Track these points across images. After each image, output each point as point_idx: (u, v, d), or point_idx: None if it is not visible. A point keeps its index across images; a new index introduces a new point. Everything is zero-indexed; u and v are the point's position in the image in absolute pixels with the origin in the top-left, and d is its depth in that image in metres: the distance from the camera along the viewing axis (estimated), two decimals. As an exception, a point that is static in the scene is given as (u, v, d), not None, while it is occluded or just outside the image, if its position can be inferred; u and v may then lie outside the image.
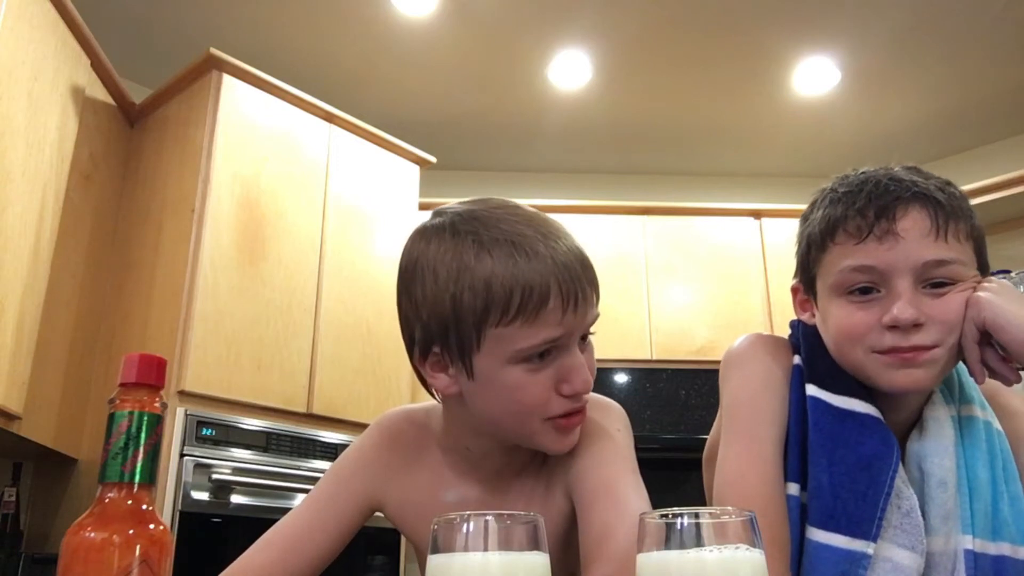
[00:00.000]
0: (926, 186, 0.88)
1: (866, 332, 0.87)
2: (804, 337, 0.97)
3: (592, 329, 0.88)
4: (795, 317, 1.02)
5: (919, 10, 2.99)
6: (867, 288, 0.88)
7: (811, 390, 0.92)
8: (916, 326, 0.85)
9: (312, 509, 0.98)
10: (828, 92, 3.48)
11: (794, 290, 1.01)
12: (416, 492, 0.98)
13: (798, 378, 0.94)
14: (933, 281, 0.86)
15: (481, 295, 0.80)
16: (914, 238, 0.85)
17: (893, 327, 0.85)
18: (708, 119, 3.72)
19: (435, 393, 0.92)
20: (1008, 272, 3.24)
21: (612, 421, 0.94)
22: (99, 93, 2.63)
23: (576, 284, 0.81)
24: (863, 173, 0.92)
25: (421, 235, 0.87)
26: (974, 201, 3.40)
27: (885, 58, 3.27)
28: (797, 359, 0.96)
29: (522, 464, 0.95)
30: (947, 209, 0.87)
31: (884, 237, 0.86)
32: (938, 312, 0.85)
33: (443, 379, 0.86)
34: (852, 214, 0.88)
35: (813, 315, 0.96)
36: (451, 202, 0.90)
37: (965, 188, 3.44)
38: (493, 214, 0.84)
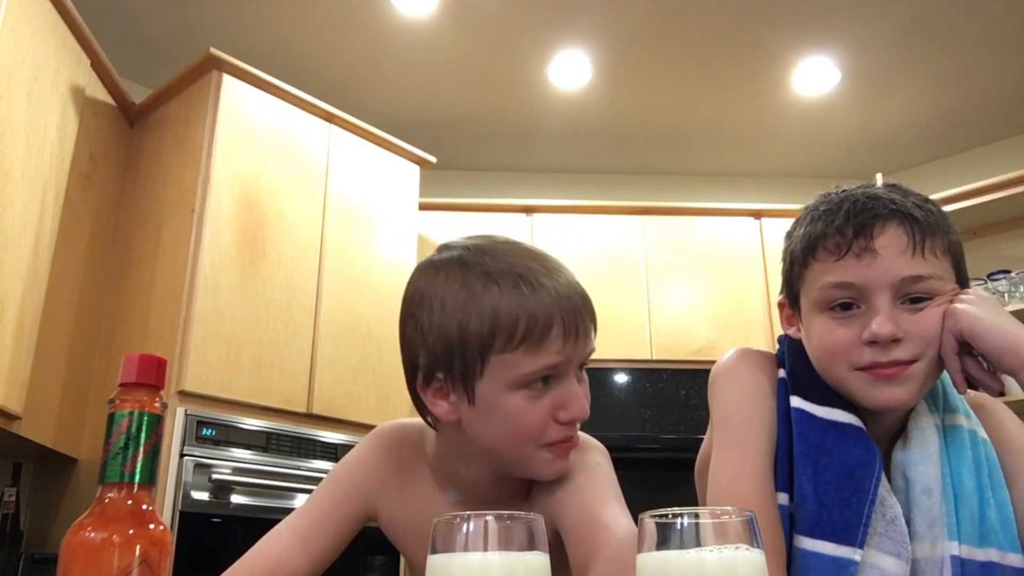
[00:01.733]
0: (903, 203, 0.90)
1: (847, 349, 0.89)
2: (789, 351, 0.99)
3: (587, 362, 0.91)
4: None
5: (919, 10, 2.99)
6: (847, 304, 0.90)
7: (795, 402, 0.93)
8: (895, 341, 0.86)
9: (313, 513, 1.00)
10: (828, 92, 3.48)
11: (780, 305, 1.03)
12: (406, 506, 1.01)
13: (783, 391, 0.96)
14: (911, 296, 0.88)
15: (488, 322, 0.84)
16: (891, 255, 0.87)
17: (872, 342, 0.87)
18: (708, 119, 3.73)
19: (431, 420, 0.94)
20: (1008, 272, 3.24)
21: (591, 456, 0.96)
22: (99, 93, 2.63)
23: (577, 316, 0.86)
24: (844, 191, 0.94)
25: (429, 266, 0.91)
26: (974, 201, 3.43)
27: (885, 58, 3.28)
28: (782, 372, 0.98)
29: (508, 493, 0.97)
30: (924, 225, 0.88)
31: (862, 254, 0.88)
32: (916, 327, 0.87)
33: (444, 406, 0.89)
34: (831, 232, 0.90)
35: (799, 330, 0.98)
36: (455, 238, 0.94)
37: (965, 188, 3.46)
38: (499, 248, 0.89)
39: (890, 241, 0.88)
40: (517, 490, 0.97)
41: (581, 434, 0.99)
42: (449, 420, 0.89)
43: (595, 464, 0.95)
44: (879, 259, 0.87)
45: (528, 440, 0.87)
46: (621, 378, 3.29)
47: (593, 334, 0.90)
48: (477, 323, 0.84)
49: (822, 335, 0.91)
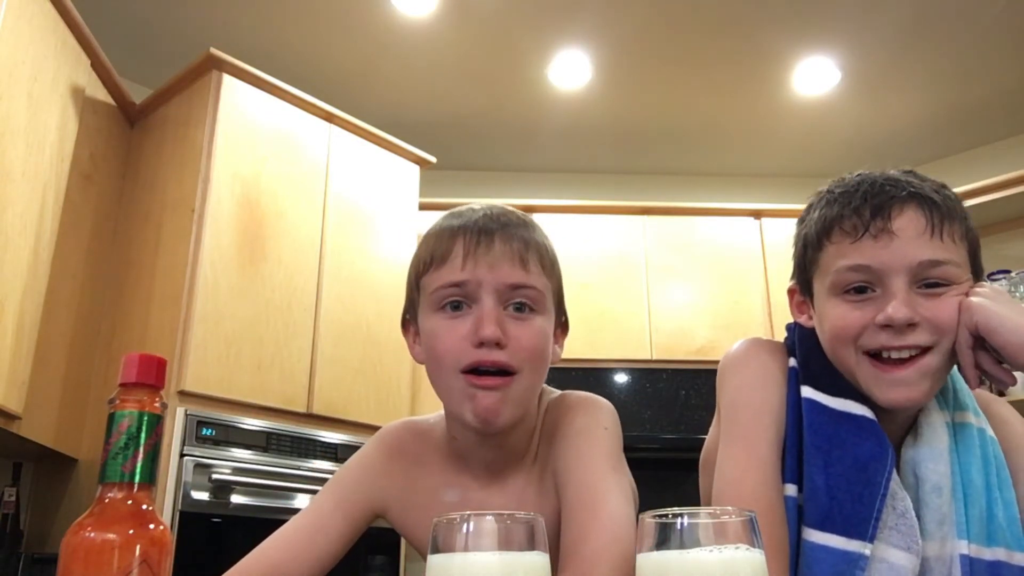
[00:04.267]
0: (921, 187, 0.89)
1: (860, 331, 0.88)
2: (800, 339, 0.97)
3: (527, 301, 0.90)
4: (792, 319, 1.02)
5: (919, 10, 2.99)
6: (862, 288, 0.88)
7: (806, 392, 0.92)
8: (910, 326, 0.85)
9: (316, 515, 1.01)
10: (828, 92, 3.48)
11: (790, 292, 1.01)
12: (417, 496, 1.01)
13: (794, 380, 0.95)
14: (928, 281, 0.87)
15: (418, 255, 0.96)
16: (909, 237, 0.86)
17: (887, 326, 0.85)
18: (708, 119, 3.72)
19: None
20: (1008, 272, 3.24)
21: (600, 418, 0.96)
22: (99, 93, 2.63)
23: (482, 236, 0.90)
24: (859, 175, 0.93)
25: None
26: (974, 201, 3.44)
27: (885, 58, 3.27)
28: (793, 362, 0.97)
29: (514, 457, 0.97)
30: (942, 209, 0.88)
31: (879, 236, 0.87)
32: (932, 313, 0.86)
33: (416, 348, 0.97)
34: (848, 213, 0.89)
35: (810, 317, 0.97)
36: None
37: (965, 188, 3.46)
38: (472, 204, 0.97)
39: (908, 223, 0.86)
40: (523, 453, 0.97)
41: (592, 395, 1.00)
42: (420, 361, 0.95)
43: (602, 429, 0.94)
44: (896, 241, 0.86)
45: (447, 363, 0.88)
46: (621, 378, 3.29)
47: (516, 263, 0.89)
48: (415, 257, 0.96)
49: (835, 318, 0.90)
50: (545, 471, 0.95)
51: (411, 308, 0.97)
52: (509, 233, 0.91)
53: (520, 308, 0.89)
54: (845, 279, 0.89)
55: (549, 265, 0.94)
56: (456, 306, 0.89)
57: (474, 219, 0.92)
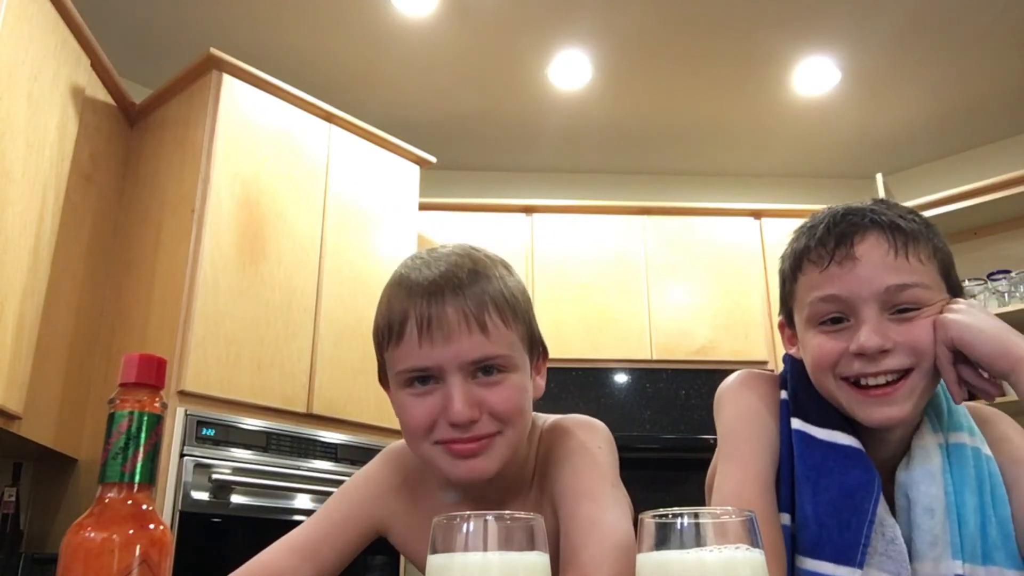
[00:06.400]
0: (885, 213, 0.92)
1: (836, 360, 0.90)
2: (792, 372, 1.00)
3: (496, 365, 0.87)
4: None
5: (919, 10, 2.99)
6: (838, 319, 0.91)
7: (796, 424, 0.95)
8: (884, 352, 0.87)
9: (324, 525, 1.01)
10: (828, 92, 3.48)
11: (780, 326, 1.05)
12: (419, 519, 1.01)
13: (785, 413, 0.97)
14: (899, 307, 0.89)
15: (376, 323, 0.92)
16: (873, 260, 0.89)
17: (860, 354, 0.88)
18: (708, 119, 3.72)
19: None
20: (1008, 272, 3.24)
21: (594, 440, 0.96)
22: (99, 93, 2.63)
23: (432, 306, 0.85)
24: (829, 208, 0.96)
25: None
26: (974, 201, 3.43)
27: (885, 58, 3.28)
28: (784, 394, 0.99)
29: (509, 486, 0.97)
30: (906, 232, 0.90)
31: (844, 262, 0.90)
32: (905, 337, 0.88)
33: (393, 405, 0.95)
34: (814, 244, 0.93)
35: (799, 349, 0.99)
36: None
37: (965, 188, 3.45)
38: (426, 253, 0.93)
39: (871, 248, 0.89)
40: (519, 481, 0.97)
41: (586, 418, 1.00)
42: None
43: (596, 448, 0.95)
44: (860, 265, 0.89)
45: (418, 436, 0.89)
46: (621, 378, 3.29)
47: (474, 330, 0.85)
48: (375, 321, 0.93)
49: (813, 349, 0.93)
50: (543, 496, 0.96)
51: (382, 370, 0.95)
52: (462, 294, 0.86)
53: (489, 372, 0.87)
54: (819, 310, 0.92)
55: (511, 315, 0.89)
56: (423, 381, 0.88)
57: (424, 283, 0.86)
